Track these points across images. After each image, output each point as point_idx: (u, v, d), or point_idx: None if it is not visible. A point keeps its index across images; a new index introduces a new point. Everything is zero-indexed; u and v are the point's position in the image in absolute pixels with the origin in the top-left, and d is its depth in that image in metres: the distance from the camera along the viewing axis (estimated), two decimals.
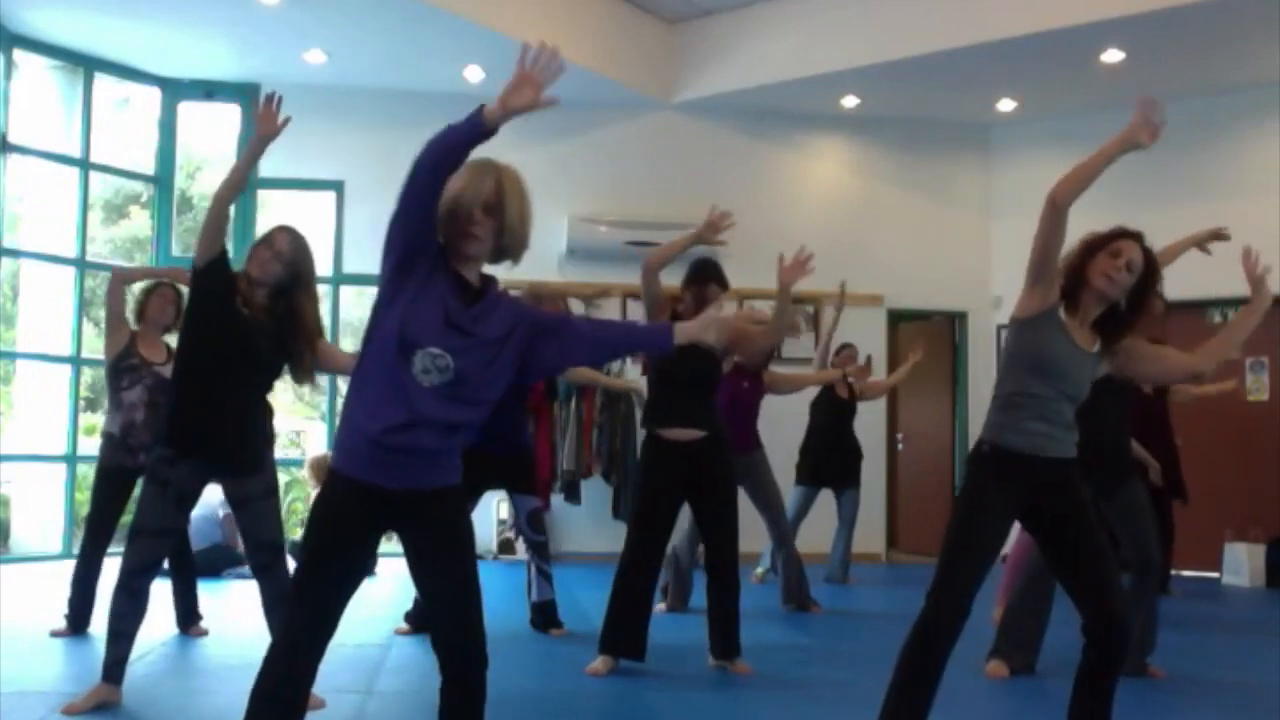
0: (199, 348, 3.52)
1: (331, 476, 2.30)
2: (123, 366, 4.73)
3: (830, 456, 6.97)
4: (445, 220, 2.30)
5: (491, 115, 2.20)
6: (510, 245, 2.37)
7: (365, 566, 2.35)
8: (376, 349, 2.26)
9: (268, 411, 3.76)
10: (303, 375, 3.58)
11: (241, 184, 3.60)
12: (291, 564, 2.82)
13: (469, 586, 2.36)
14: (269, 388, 3.69)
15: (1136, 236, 2.83)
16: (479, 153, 2.30)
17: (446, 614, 2.35)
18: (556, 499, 8.26)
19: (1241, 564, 7.65)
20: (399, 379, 2.21)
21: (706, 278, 4.48)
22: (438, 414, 2.23)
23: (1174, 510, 6.74)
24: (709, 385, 4.41)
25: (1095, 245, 2.82)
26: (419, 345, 2.22)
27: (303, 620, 2.27)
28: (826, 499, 7.13)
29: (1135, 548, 4.30)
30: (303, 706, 2.31)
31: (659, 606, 5.77)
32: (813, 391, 7.12)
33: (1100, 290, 2.79)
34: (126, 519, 4.99)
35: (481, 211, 2.30)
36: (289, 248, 3.50)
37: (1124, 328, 2.84)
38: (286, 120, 3.26)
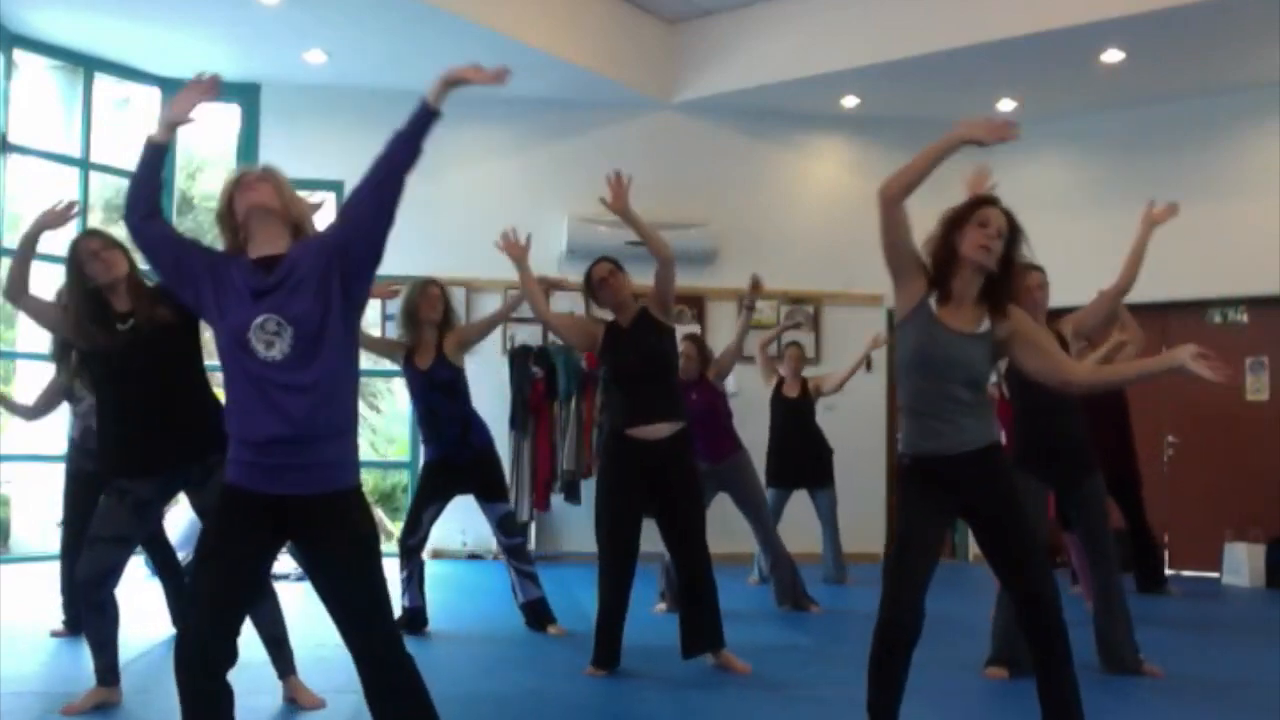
0: (91, 367, 3.54)
1: (224, 488, 2.35)
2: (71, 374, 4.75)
3: (793, 457, 6.84)
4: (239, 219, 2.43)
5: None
6: (295, 215, 2.49)
7: (256, 574, 2.40)
8: (222, 356, 2.32)
9: (204, 408, 3.52)
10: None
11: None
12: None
13: (360, 582, 2.33)
14: (183, 385, 3.50)
15: (994, 201, 2.88)
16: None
17: (349, 624, 2.34)
18: (556, 499, 8.26)
19: (1241, 564, 7.65)
20: (250, 372, 2.26)
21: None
22: (300, 382, 2.25)
23: (1144, 502, 6.75)
24: (663, 371, 4.29)
25: (959, 219, 2.85)
26: (245, 327, 2.27)
27: (196, 627, 2.30)
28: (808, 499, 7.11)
29: (1089, 541, 4.36)
30: (228, 699, 2.34)
31: (659, 606, 5.79)
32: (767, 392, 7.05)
33: (978, 262, 2.81)
34: None
35: (249, 181, 2.47)
36: (101, 244, 3.56)
37: (1004, 291, 2.85)
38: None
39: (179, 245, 2.42)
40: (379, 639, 2.34)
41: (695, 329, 8.03)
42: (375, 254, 2.39)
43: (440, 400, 4.96)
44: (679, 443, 4.25)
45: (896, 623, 2.82)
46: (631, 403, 4.25)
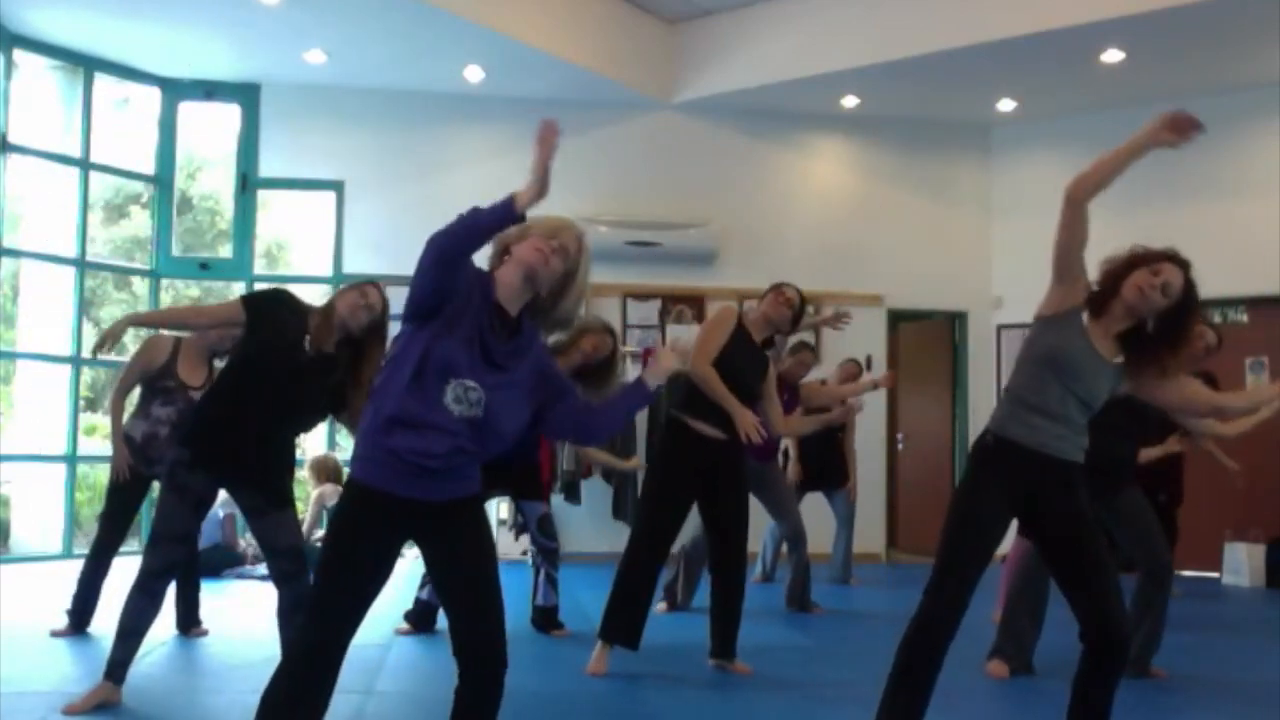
0: (247, 372, 3.51)
1: (350, 486, 2.31)
2: (158, 386, 4.67)
3: (809, 460, 6.87)
4: (519, 236, 2.34)
5: (522, 202, 2.24)
6: (560, 312, 2.41)
7: (384, 576, 2.33)
8: (407, 371, 2.24)
9: (292, 448, 3.69)
10: (353, 423, 3.49)
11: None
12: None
13: (489, 592, 2.34)
14: (309, 428, 3.71)
15: (1184, 264, 2.75)
16: None
17: (467, 620, 2.34)
18: (556, 499, 8.25)
19: (1241, 564, 7.65)
20: (427, 403, 2.22)
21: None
22: (460, 442, 2.25)
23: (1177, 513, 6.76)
24: (751, 397, 4.25)
25: (1140, 259, 2.76)
26: (453, 375, 2.23)
27: (321, 633, 2.26)
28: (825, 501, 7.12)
29: (1143, 551, 4.29)
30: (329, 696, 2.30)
31: (660, 606, 5.79)
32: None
33: (1129, 303, 2.73)
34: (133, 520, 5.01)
35: (558, 247, 2.35)
36: (380, 303, 3.52)
37: (1150, 352, 2.75)
38: None
39: (458, 283, 2.29)
40: (500, 653, 2.36)
41: (694, 328, 8.02)
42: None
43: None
44: (734, 447, 4.24)
45: (938, 619, 2.73)
46: (705, 399, 4.18)
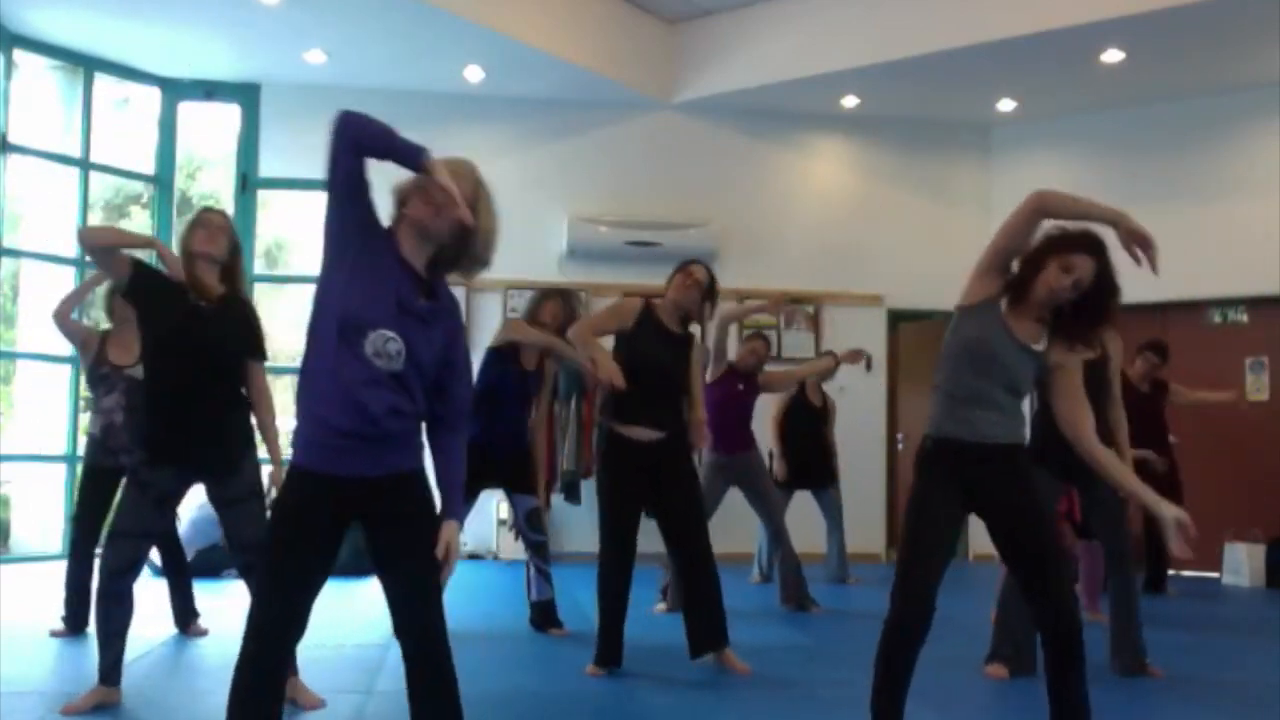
0: (161, 356, 3.51)
1: (291, 471, 2.31)
2: (97, 376, 4.80)
3: (793, 457, 6.83)
4: (413, 190, 2.31)
5: (428, 163, 2.24)
6: (467, 256, 2.37)
7: (329, 560, 2.34)
8: (324, 332, 2.24)
9: (243, 409, 3.64)
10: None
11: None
12: None
13: (427, 573, 2.34)
14: (242, 379, 3.60)
15: (1097, 251, 2.75)
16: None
17: (406, 600, 2.34)
18: (556, 499, 8.26)
19: (1241, 564, 7.65)
20: (350, 360, 2.21)
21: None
22: (387, 399, 2.23)
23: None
24: (673, 387, 4.30)
25: (1055, 247, 2.77)
26: (370, 328, 2.22)
27: (267, 618, 2.28)
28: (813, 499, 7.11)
29: (1106, 536, 4.41)
30: (280, 700, 2.35)
31: (659, 606, 5.79)
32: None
33: (1041, 299, 2.79)
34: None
35: (445, 201, 2.29)
36: (224, 220, 3.58)
37: (1065, 330, 2.80)
38: None
39: (366, 195, 2.28)
40: (438, 633, 2.35)
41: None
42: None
43: (523, 403, 5.14)
44: (672, 443, 4.26)
45: (907, 618, 2.78)
46: (632, 403, 4.22)
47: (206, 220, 3.56)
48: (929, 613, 2.78)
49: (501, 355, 5.06)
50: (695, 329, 4.48)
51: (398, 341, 2.24)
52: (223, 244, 3.53)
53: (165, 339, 3.49)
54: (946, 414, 2.86)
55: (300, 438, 2.29)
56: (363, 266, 2.25)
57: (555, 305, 5.13)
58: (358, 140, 2.23)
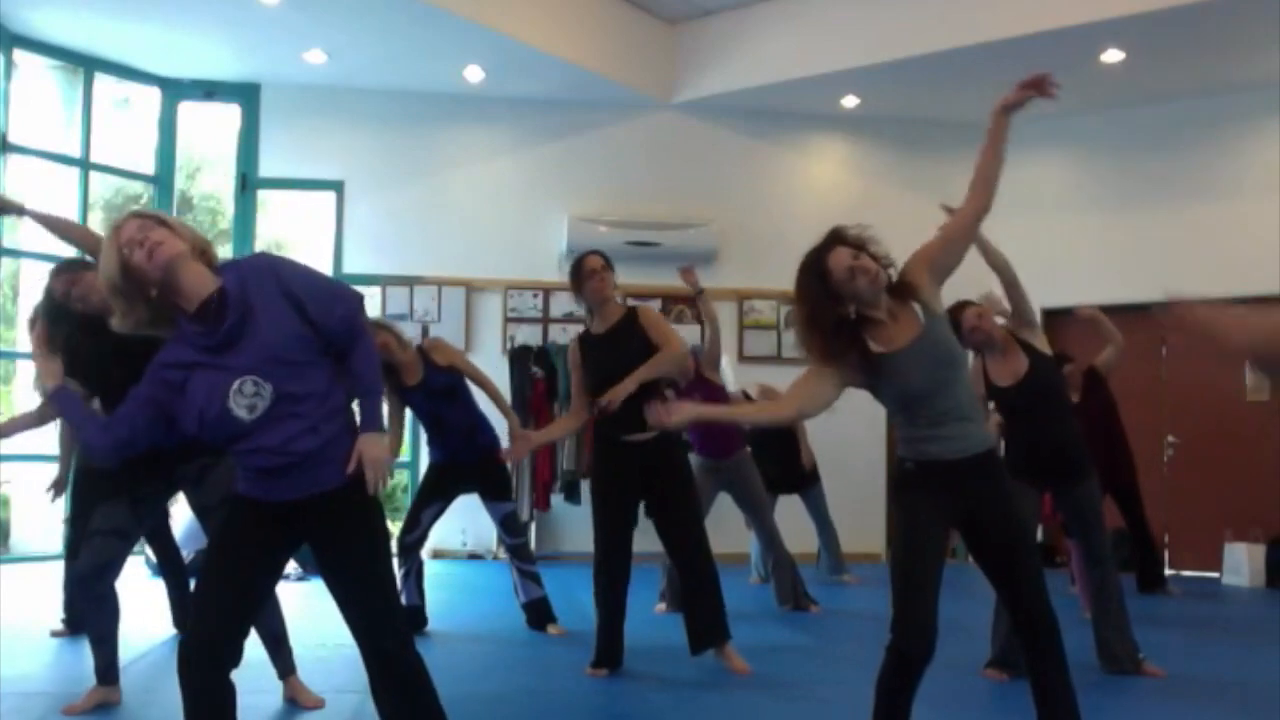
0: (88, 382, 3.49)
1: (231, 499, 2.44)
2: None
3: (766, 465, 6.54)
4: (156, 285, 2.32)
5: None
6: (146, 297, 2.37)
7: (269, 579, 2.45)
8: (194, 426, 2.32)
9: None
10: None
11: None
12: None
13: (366, 576, 2.38)
14: None
15: (837, 239, 2.83)
16: None
17: (351, 606, 2.38)
18: (556, 499, 8.27)
19: (1241, 564, 7.65)
20: (226, 429, 2.28)
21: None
22: (281, 432, 2.28)
23: (1143, 503, 6.72)
24: (649, 387, 4.23)
25: (814, 271, 2.82)
26: (222, 394, 2.26)
27: (204, 634, 2.31)
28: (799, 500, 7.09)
29: (1085, 543, 4.42)
30: (230, 697, 2.35)
31: (659, 606, 5.79)
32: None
33: (852, 298, 2.79)
34: None
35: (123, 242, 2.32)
36: (89, 283, 3.53)
37: (904, 289, 2.85)
38: None
39: (151, 401, 2.34)
40: (389, 635, 2.37)
41: (694, 329, 8.02)
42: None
43: (444, 406, 4.98)
44: (662, 442, 4.25)
45: (909, 650, 2.71)
46: (618, 409, 4.18)
47: (73, 279, 3.56)
48: (931, 643, 2.73)
49: (392, 386, 4.83)
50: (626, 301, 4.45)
51: (251, 382, 2.27)
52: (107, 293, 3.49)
53: (132, 346, 3.47)
54: (917, 438, 2.80)
55: (237, 469, 2.41)
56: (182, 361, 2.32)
57: (382, 336, 4.72)
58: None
